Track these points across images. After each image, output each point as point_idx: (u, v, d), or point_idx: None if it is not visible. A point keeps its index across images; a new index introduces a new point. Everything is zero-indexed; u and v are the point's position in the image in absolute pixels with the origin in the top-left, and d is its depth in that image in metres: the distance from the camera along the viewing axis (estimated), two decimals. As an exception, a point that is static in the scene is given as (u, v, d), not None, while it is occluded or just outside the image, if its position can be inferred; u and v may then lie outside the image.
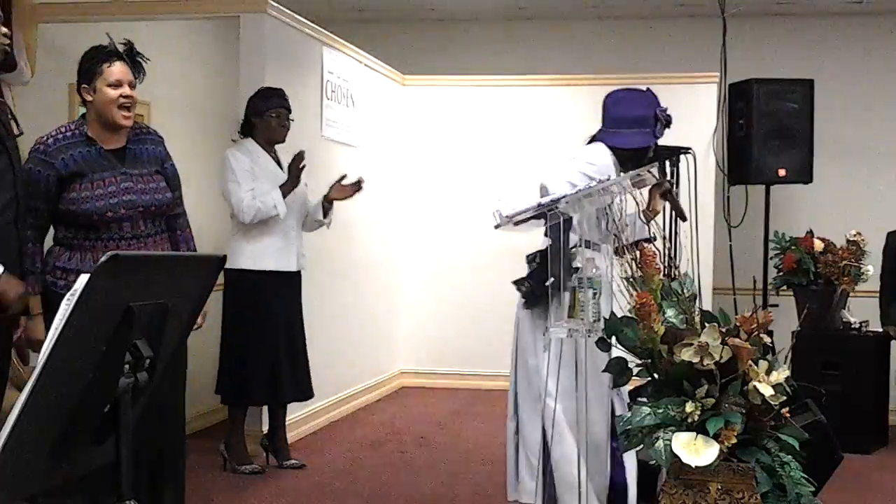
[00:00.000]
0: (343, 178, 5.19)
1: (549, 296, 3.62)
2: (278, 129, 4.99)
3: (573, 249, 3.57)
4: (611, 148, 3.94)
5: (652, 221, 3.90)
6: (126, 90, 3.48)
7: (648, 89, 4.03)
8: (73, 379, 1.90)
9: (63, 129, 3.53)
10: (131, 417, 2.02)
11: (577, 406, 3.58)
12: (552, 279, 3.52)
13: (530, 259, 3.85)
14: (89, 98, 3.51)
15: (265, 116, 4.96)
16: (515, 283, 3.86)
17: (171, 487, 3.65)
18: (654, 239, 3.74)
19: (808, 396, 4.06)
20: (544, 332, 3.69)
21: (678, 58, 7.56)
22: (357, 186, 5.19)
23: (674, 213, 4.40)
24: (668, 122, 3.94)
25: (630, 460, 3.74)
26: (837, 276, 5.95)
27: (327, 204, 5.15)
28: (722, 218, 7.26)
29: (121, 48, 3.56)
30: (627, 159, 3.93)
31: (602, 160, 3.90)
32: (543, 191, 3.81)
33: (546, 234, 3.74)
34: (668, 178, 4.08)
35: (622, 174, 3.69)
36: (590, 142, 4.03)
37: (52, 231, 3.58)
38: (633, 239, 3.69)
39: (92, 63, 3.51)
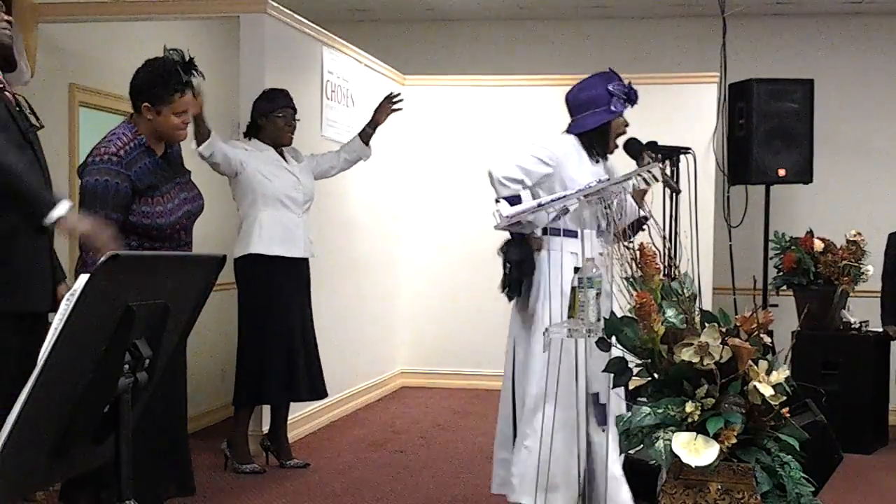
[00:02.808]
0: (392, 96, 5.33)
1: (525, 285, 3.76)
2: (285, 130, 4.99)
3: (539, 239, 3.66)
4: (576, 135, 4.00)
5: (646, 203, 3.92)
6: (187, 117, 3.64)
7: (609, 69, 4.04)
8: (73, 379, 1.90)
9: (122, 138, 3.55)
10: (131, 417, 2.02)
11: (577, 405, 3.60)
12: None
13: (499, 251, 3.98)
14: (150, 117, 3.58)
15: (271, 117, 4.96)
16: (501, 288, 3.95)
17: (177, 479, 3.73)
18: (650, 217, 3.75)
19: (808, 396, 4.06)
20: (544, 333, 3.69)
21: (678, 58, 7.56)
22: (392, 102, 5.32)
23: (670, 193, 4.44)
24: (628, 96, 3.93)
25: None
26: (837, 276, 5.95)
27: (370, 130, 5.31)
28: (722, 218, 7.26)
29: (173, 55, 3.68)
30: (590, 142, 3.98)
31: (559, 147, 3.96)
32: (490, 177, 3.89)
33: (559, 234, 3.77)
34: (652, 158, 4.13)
35: (622, 174, 3.69)
36: None
37: None
38: (628, 221, 3.73)
39: (164, 90, 3.56)
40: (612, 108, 3.93)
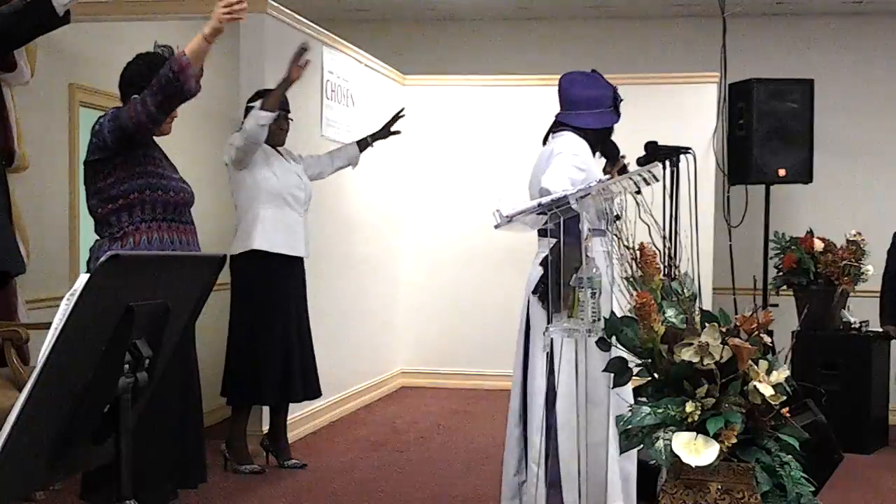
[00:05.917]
0: (401, 111, 5.55)
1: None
2: (276, 132, 4.96)
3: (586, 239, 3.59)
4: (577, 130, 3.94)
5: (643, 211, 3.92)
6: (175, 111, 3.71)
7: (594, 70, 4.03)
8: (73, 379, 1.90)
9: None
10: (131, 417, 2.02)
11: (577, 406, 3.59)
12: (571, 277, 3.55)
13: (543, 263, 3.87)
14: None
15: None
16: (534, 293, 3.86)
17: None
18: (619, 217, 3.74)
19: (808, 396, 4.06)
20: (544, 332, 3.69)
21: (678, 58, 7.56)
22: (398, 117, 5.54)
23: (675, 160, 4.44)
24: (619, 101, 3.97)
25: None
26: (837, 276, 5.95)
27: (371, 142, 5.45)
28: (722, 218, 7.26)
29: (164, 52, 3.80)
30: (595, 140, 3.96)
31: (582, 149, 3.92)
32: (545, 192, 3.81)
33: (547, 235, 3.74)
34: (624, 158, 4.10)
35: (624, 174, 3.70)
36: (553, 126, 4.01)
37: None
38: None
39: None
40: (619, 111, 3.94)
